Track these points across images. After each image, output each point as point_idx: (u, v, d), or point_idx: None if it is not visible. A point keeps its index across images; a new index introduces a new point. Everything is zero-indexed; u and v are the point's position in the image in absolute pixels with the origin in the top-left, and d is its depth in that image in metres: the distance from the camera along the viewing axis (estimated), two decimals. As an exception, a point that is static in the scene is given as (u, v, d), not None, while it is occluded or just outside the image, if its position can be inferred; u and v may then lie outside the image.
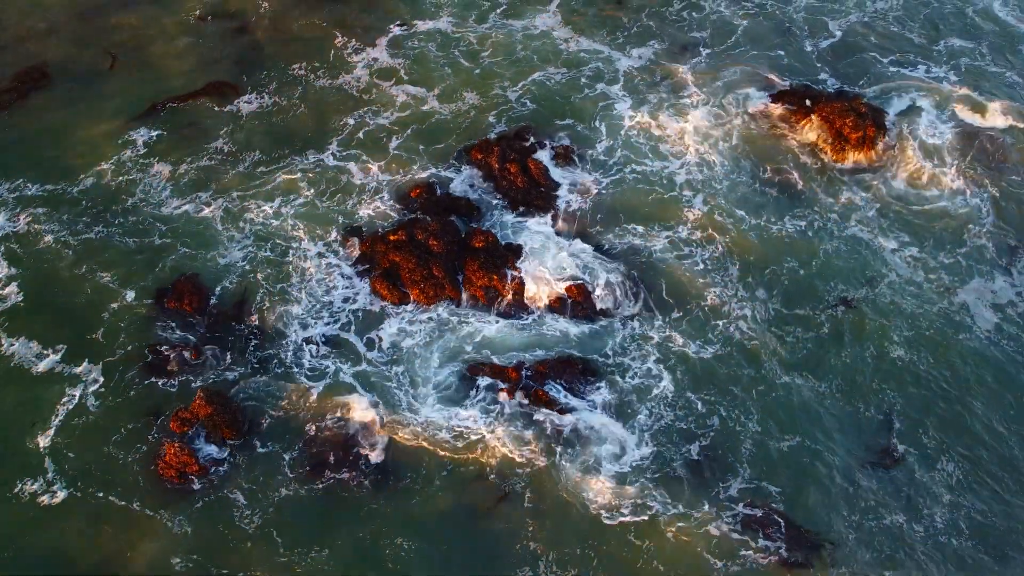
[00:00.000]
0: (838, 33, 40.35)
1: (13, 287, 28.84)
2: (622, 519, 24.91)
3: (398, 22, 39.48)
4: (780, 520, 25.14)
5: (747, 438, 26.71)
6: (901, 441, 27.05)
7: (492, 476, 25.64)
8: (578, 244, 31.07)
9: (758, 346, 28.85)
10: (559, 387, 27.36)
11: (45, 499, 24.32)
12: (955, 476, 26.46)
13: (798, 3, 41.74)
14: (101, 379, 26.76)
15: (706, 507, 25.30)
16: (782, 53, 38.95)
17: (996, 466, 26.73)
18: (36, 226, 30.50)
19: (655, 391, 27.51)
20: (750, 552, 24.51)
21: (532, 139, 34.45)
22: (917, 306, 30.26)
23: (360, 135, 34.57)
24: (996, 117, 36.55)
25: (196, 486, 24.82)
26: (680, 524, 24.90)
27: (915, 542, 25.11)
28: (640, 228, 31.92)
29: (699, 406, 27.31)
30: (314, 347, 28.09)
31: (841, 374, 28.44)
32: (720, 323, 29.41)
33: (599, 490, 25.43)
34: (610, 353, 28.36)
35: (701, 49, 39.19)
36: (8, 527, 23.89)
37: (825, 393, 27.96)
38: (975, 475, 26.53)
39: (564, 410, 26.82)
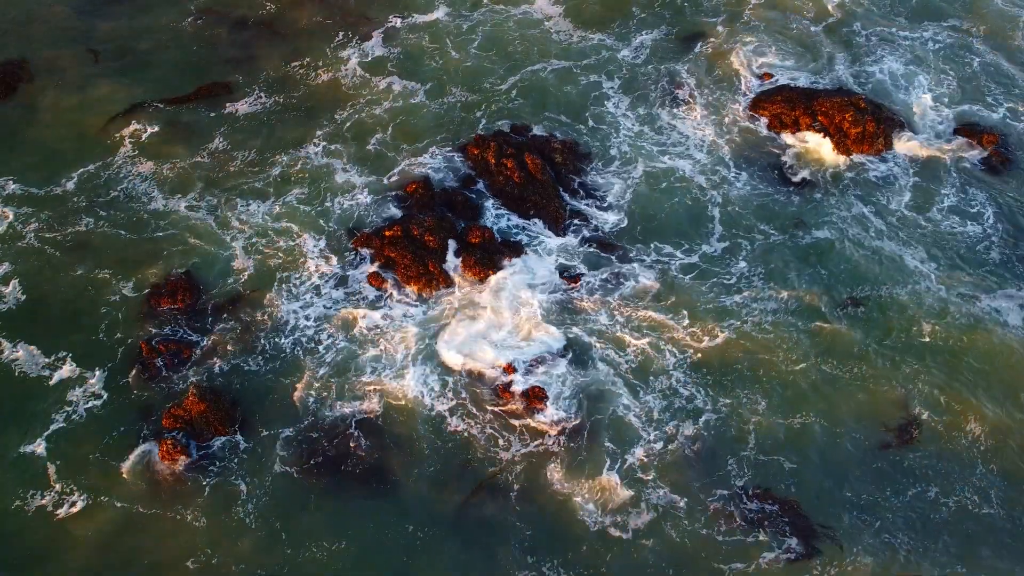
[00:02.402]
0: (840, 21, 40.14)
1: (3, 287, 28.42)
2: (625, 518, 24.50)
3: (394, 16, 39.15)
4: (791, 509, 24.82)
5: (756, 427, 26.40)
6: (919, 426, 26.87)
7: (491, 469, 25.30)
8: (576, 239, 30.81)
9: (769, 338, 28.49)
10: (556, 382, 27.01)
11: (61, 512, 23.81)
12: (977, 459, 26.28)
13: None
14: (94, 378, 26.40)
15: (714, 502, 24.90)
16: (785, 46, 38.71)
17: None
18: (24, 225, 30.10)
19: (657, 385, 27.17)
20: (761, 545, 24.16)
21: (530, 134, 34.15)
22: (941, 303, 29.84)
23: (355, 131, 34.22)
24: (1000, 113, 36.43)
25: (193, 484, 24.43)
26: (687, 522, 24.48)
27: (933, 525, 24.90)
28: (641, 223, 31.62)
29: (705, 397, 26.98)
30: (308, 341, 27.71)
31: (860, 369, 28.12)
32: (729, 315, 29.08)
33: (602, 488, 25.07)
34: (611, 348, 28.01)
35: (703, 40, 38.89)
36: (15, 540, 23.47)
37: (841, 383, 27.64)
38: (1000, 459, 26.34)
39: (560, 415, 26.48)
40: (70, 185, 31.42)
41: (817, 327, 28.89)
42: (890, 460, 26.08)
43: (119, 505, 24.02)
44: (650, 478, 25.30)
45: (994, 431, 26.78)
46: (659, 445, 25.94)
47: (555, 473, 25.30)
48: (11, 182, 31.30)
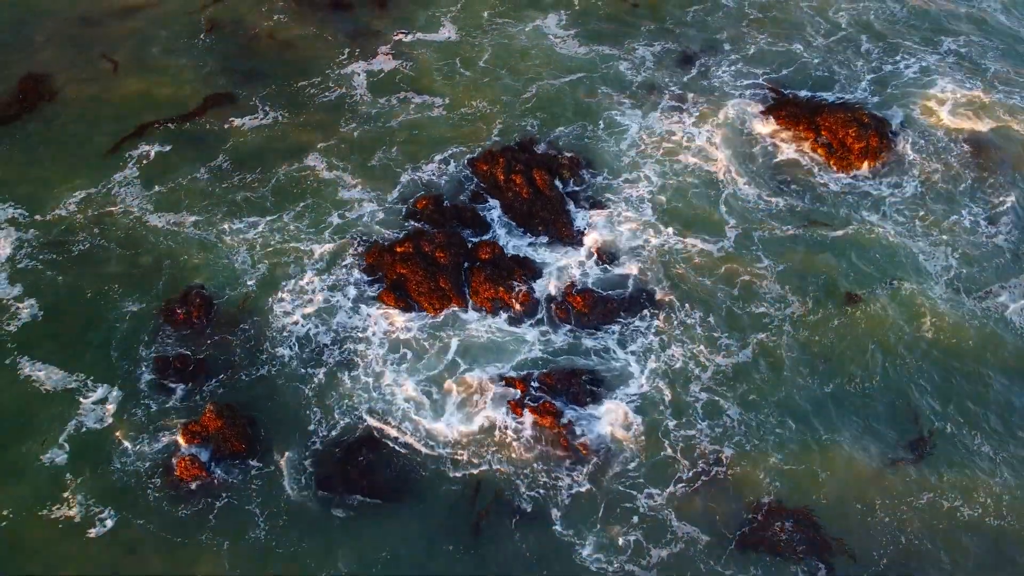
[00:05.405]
0: (844, 34, 40.52)
1: (17, 305, 28.75)
2: (640, 551, 24.45)
3: (401, 33, 39.53)
4: (809, 526, 25.01)
5: (771, 447, 26.62)
6: (932, 434, 27.12)
7: (498, 493, 25.43)
8: (585, 254, 31.14)
9: (780, 352, 28.80)
10: (566, 399, 27.31)
11: (71, 531, 23.97)
12: (989, 466, 26.53)
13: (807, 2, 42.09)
14: (109, 395, 26.66)
15: (730, 529, 25.00)
16: (791, 60, 39.10)
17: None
18: (35, 245, 30.38)
19: (666, 402, 27.46)
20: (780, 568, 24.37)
21: (538, 149, 34.50)
22: (950, 303, 30.33)
23: (362, 146, 34.54)
24: (1005, 122, 36.77)
25: (210, 500, 24.70)
26: (707, 556, 24.48)
27: (948, 536, 25.15)
28: (649, 233, 31.91)
29: (715, 416, 27.21)
30: (321, 358, 28.04)
31: (868, 372, 28.50)
32: (745, 327, 29.44)
33: (611, 515, 25.20)
34: (621, 362, 28.33)
35: (709, 54, 39.34)
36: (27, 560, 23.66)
37: (853, 391, 27.97)
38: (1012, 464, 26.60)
39: (571, 423, 26.72)
40: (80, 204, 31.68)
41: (830, 334, 29.25)
42: (906, 470, 26.33)
43: (133, 525, 24.19)
44: (665, 507, 25.32)
45: (1011, 438, 27.13)
46: (680, 467, 26.06)
47: (565, 493, 25.46)
48: (22, 201, 31.59)
